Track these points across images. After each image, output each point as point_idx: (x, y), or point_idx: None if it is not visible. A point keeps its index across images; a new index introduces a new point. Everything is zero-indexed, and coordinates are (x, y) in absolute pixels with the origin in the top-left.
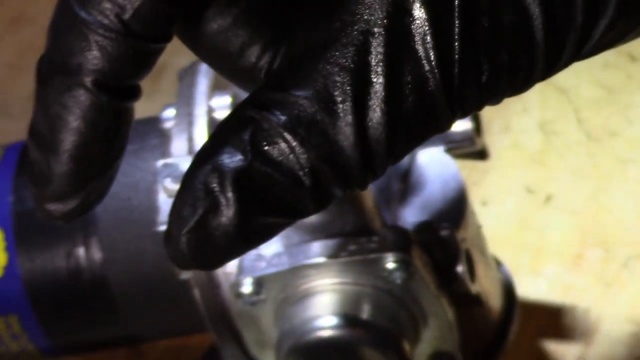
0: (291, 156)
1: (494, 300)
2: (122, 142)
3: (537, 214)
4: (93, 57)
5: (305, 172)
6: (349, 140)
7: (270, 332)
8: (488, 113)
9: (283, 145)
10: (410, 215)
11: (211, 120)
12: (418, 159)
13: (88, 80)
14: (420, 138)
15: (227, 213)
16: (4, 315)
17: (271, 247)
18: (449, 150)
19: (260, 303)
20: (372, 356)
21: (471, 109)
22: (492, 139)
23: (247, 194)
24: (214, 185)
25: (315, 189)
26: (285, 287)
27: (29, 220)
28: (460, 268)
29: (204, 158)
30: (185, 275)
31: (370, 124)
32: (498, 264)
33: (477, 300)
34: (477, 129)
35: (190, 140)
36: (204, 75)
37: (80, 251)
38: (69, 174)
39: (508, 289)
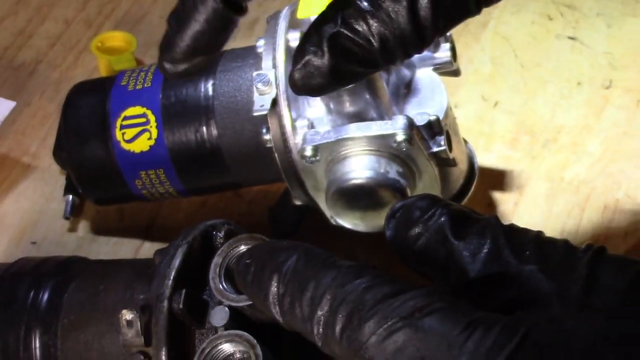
0: (365, 26)
1: (463, 164)
2: (225, 39)
3: (489, 114)
4: None
5: (374, 37)
6: (405, 17)
7: (322, 181)
8: (459, 51)
9: (362, 20)
10: (412, 109)
11: (287, 48)
12: (416, 75)
13: None
14: (457, 19)
15: (322, 59)
16: (155, 169)
17: (324, 127)
18: (435, 69)
19: (316, 162)
20: (387, 196)
21: (492, 2)
22: (462, 66)
23: (336, 49)
24: (315, 42)
25: (382, 49)
26: (332, 152)
27: (171, 109)
28: (442, 142)
29: (311, 27)
30: (270, 144)
31: (420, 7)
32: (466, 142)
33: (452, 163)
34: (454, 56)
35: (273, 59)
36: (283, 19)
37: (204, 129)
38: (185, 48)
39: (471, 159)
